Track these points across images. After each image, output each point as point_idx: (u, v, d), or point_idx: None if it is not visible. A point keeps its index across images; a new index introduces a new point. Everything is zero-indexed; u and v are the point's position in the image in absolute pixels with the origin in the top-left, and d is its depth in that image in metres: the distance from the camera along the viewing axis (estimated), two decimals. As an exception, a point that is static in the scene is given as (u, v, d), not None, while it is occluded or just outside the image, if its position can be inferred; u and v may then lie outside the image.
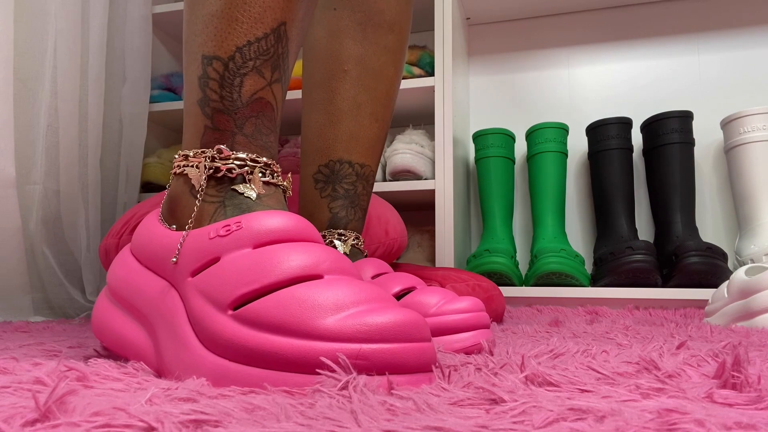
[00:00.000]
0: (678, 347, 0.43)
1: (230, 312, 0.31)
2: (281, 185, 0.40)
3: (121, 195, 1.33)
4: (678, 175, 1.25)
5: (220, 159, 0.38)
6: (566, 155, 1.36)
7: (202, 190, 0.38)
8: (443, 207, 1.23)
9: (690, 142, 1.26)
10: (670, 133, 1.26)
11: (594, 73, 1.48)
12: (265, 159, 0.39)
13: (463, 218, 1.38)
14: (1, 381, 0.29)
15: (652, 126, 1.29)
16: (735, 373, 0.28)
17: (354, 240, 0.59)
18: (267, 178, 0.39)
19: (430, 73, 1.30)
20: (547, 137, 1.33)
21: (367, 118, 0.63)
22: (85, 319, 0.99)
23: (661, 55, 1.43)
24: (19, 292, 1.00)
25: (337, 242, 0.58)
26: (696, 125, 1.28)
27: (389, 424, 0.21)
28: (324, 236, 0.59)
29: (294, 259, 0.33)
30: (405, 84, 1.28)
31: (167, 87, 1.48)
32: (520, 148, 1.45)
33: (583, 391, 0.27)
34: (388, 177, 1.30)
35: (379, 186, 1.28)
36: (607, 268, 1.19)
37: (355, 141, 0.62)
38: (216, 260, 0.34)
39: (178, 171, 0.40)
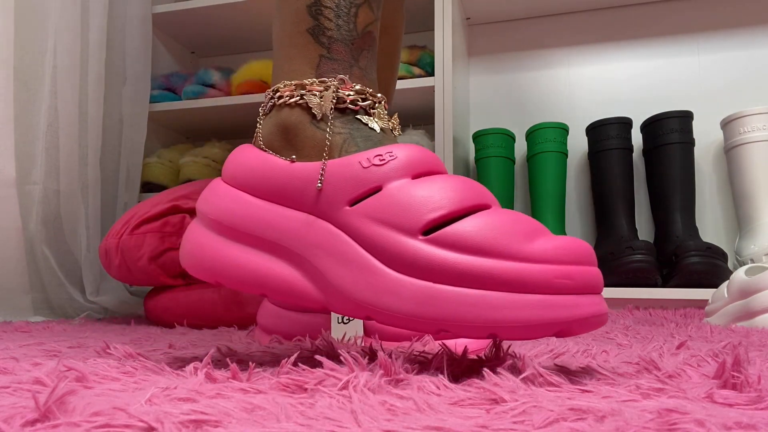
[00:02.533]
0: (678, 347, 0.43)
1: (421, 237, 0.33)
2: (393, 121, 0.40)
3: (121, 195, 1.33)
4: (678, 175, 1.25)
5: (345, 89, 0.38)
6: (566, 155, 1.36)
7: (330, 121, 0.37)
8: (443, 207, 1.23)
9: (690, 142, 1.26)
10: (670, 133, 1.26)
11: (594, 73, 1.48)
12: (380, 95, 0.39)
13: (463, 218, 1.38)
14: (1, 381, 0.29)
15: (652, 126, 1.29)
16: (735, 373, 0.28)
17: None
18: (382, 114, 0.39)
19: (430, 73, 1.30)
20: (547, 137, 1.33)
21: (385, 61, 0.61)
22: (85, 319, 0.99)
23: (661, 55, 1.43)
24: (19, 292, 1.00)
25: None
26: (696, 125, 1.28)
27: (389, 424, 0.21)
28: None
29: (467, 189, 0.35)
30: (405, 84, 1.28)
31: (167, 87, 1.48)
32: (520, 148, 1.45)
33: (583, 391, 0.27)
34: (388, 177, 1.30)
35: (379, 186, 1.28)
36: (607, 268, 1.19)
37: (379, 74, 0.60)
38: (378, 189, 0.35)
39: (292, 100, 0.38)
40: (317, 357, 0.29)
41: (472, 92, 1.55)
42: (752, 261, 1.15)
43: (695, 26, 1.42)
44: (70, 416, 0.21)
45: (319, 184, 0.35)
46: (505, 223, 0.33)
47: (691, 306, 1.08)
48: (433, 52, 1.31)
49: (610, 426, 0.20)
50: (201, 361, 0.33)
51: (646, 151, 1.33)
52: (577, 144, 1.43)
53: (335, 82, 0.38)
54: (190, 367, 0.32)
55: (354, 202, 0.35)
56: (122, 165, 1.33)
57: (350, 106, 0.38)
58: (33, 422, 0.21)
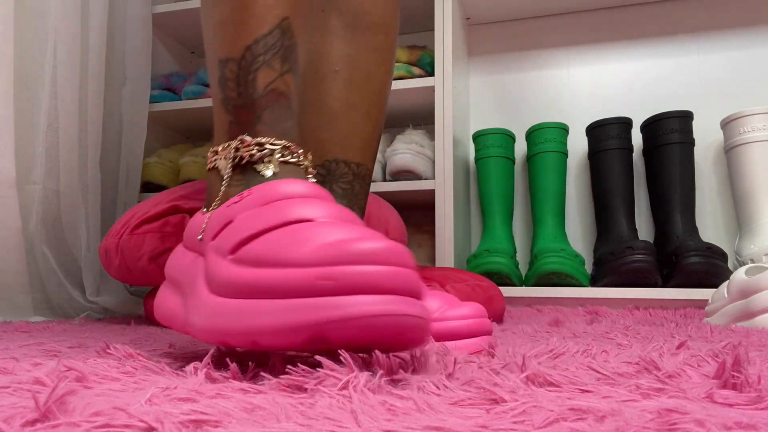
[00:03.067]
0: (678, 347, 0.43)
1: (229, 257, 0.35)
2: (302, 164, 0.43)
3: (121, 195, 1.33)
4: (678, 175, 1.25)
5: (243, 148, 0.42)
6: (566, 155, 1.36)
7: (228, 177, 0.42)
8: (443, 207, 1.23)
9: (690, 142, 1.26)
10: (670, 133, 1.26)
11: (594, 73, 1.48)
12: (283, 142, 0.42)
13: (463, 218, 1.38)
14: (1, 381, 0.29)
15: (652, 126, 1.29)
16: (735, 373, 0.28)
17: None
18: (286, 158, 0.42)
19: (430, 73, 1.30)
20: (547, 137, 1.33)
21: (360, 117, 0.63)
22: (85, 319, 0.99)
23: (661, 55, 1.43)
24: (19, 292, 1.00)
25: None
26: (696, 125, 1.28)
27: (389, 424, 0.21)
28: None
29: (292, 206, 0.36)
30: (405, 84, 1.28)
31: (167, 87, 1.48)
32: (520, 148, 1.45)
33: (583, 391, 0.27)
34: (388, 177, 1.30)
35: (379, 186, 1.28)
36: (607, 268, 1.19)
37: (349, 141, 0.62)
38: (230, 222, 0.38)
39: (210, 166, 0.44)
40: (317, 357, 0.29)
41: (472, 92, 1.55)
42: (752, 261, 1.15)
43: (695, 26, 1.42)
44: (70, 416, 0.21)
45: (200, 236, 0.40)
46: (297, 232, 0.32)
47: (691, 306, 1.08)
48: (433, 52, 1.31)
49: (610, 426, 0.20)
50: (201, 361, 0.33)
51: (646, 151, 1.33)
52: (577, 144, 1.43)
53: (235, 143, 0.42)
54: (190, 367, 0.32)
55: (214, 238, 0.38)
56: (122, 165, 1.33)
57: (250, 159, 0.42)
58: (33, 422, 0.21)
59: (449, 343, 0.44)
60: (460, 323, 0.45)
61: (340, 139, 0.62)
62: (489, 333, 0.47)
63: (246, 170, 0.42)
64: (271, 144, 0.42)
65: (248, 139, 0.42)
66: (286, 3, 0.44)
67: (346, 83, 0.62)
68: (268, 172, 0.41)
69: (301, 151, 0.43)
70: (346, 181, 0.61)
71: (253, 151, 0.41)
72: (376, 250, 0.30)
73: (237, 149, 0.42)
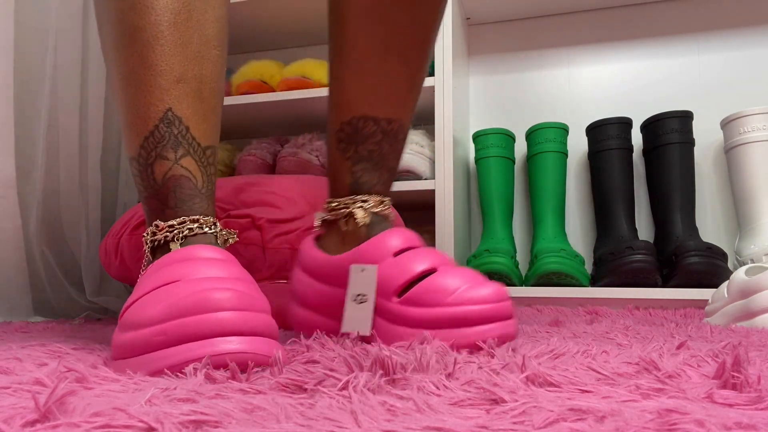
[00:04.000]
0: (678, 347, 0.43)
1: (119, 323, 0.41)
2: (211, 233, 0.47)
3: (121, 195, 1.32)
4: (678, 175, 1.25)
5: (159, 232, 0.46)
6: (566, 155, 1.36)
7: (147, 260, 0.47)
8: (443, 207, 1.23)
9: (690, 142, 1.26)
10: (670, 133, 1.26)
11: (594, 73, 1.48)
12: (192, 217, 0.47)
13: (463, 218, 1.38)
14: (2, 381, 0.29)
15: (652, 126, 1.29)
16: (735, 374, 0.28)
17: (378, 206, 0.55)
18: (194, 231, 0.46)
19: (430, 73, 1.30)
20: (547, 137, 1.33)
21: (394, 62, 0.55)
22: (85, 319, 0.99)
23: (661, 55, 1.43)
24: (19, 292, 1.00)
25: (357, 211, 0.54)
26: (696, 125, 1.28)
27: (389, 424, 0.21)
28: (346, 204, 0.55)
29: (170, 269, 0.40)
30: (405, 84, 1.28)
31: (167, 87, 1.48)
32: (520, 148, 1.44)
33: (583, 391, 0.27)
34: (388, 177, 1.30)
35: (379, 186, 1.28)
36: (607, 268, 1.19)
37: (379, 92, 0.55)
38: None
39: (143, 250, 0.50)
40: (317, 357, 0.29)
41: (472, 92, 1.55)
42: (752, 261, 1.15)
43: (695, 26, 1.42)
44: (70, 417, 0.21)
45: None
46: (161, 293, 0.38)
47: (691, 306, 1.08)
48: (433, 52, 1.30)
49: (610, 426, 0.20)
50: (201, 361, 0.33)
51: (646, 151, 1.33)
52: (577, 144, 1.43)
53: (151, 229, 0.47)
54: (190, 368, 0.32)
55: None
56: (122, 165, 1.33)
57: (165, 240, 0.46)
58: (33, 423, 0.21)
59: (462, 330, 0.44)
60: (476, 308, 0.44)
61: (368, 90, 0.55)
62: (509, 318, 0.45)
63: (165, 250, 0.46)
64: (180, 223, 0.46)
65: (161, 224, 0.46)
66: (164, 97, 0.47)
67: (375, 19, 0.54)
68: (176, 246, 0.46)
69: (209, 219, 0.47)
70: (374, 142, 0.56)
71: (166, 234, 0.46)
72: (205, 298, 0.34)
73: (154, 233, 0.47)
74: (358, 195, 0.56)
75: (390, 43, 0.55)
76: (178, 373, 0.33)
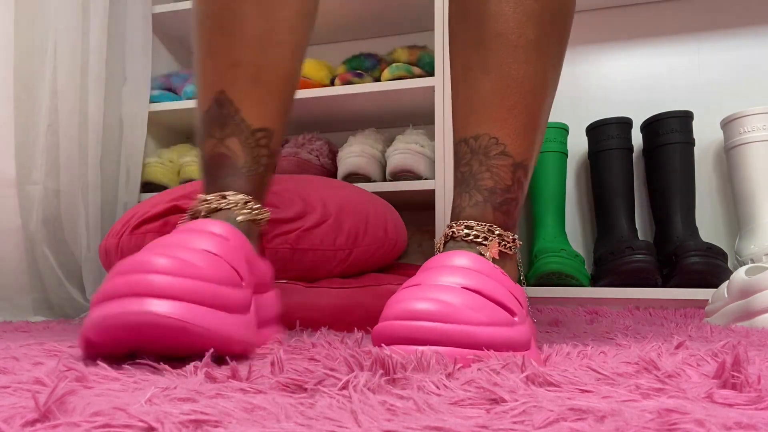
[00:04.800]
0: (677, 347, 0.43)
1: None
2: (227, 207, 0.49)
3: (121, 195, 1.32)
4: (678, 175, 1.25)
5: (199, 204, 0.49)
6: (566, 155, 1.36)
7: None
8: (443, 207, 1.23)
9: (690, 142, 1.26)
10: (670, 133, 1.26)
11: (594, 73, 1.47)
12: (222, 193, 0.49)
13: (463, 218, 1.38)
14: (1, 381, 0.29)
15: (652, 126, 1.29)
16: (735, 373, 0.28)
17: (463, 229, 0.50)
18: (220, 206, 0.48)
19: (430, 73, 1.30)
20: (547, 137, 1.33)
21: (478, 73, 0.52)
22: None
23: (661, 55, 1.43)
24: (19, 292, 1.00)
25: (450, 243, 0.51)
26: (696, 125, 1.28)
27: (389, 424, 0.21)
28: (452, 227, 0.52)
29: (161, 239, 0.42)
30: (405, 84, 1.28)
31: (167, 87, 1.48)
32: (520, 148, 1.44)
33: (583, 391, 0.27)
34: (388, 177, 1.30)
35: (379, 186, 1.28)
36: (607, 268, 1.19)
37: (468, 108, 0.53)
38: None
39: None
40: (317, 357, 0.29)
41: (472, 92, 1.55)
42: (752, 261, 1.15)
43: (695, 26, 1.42)
44: (70, 416, 0.21)
45: None
46: (136, 256, 0.40)
47: (691, 306, 1.08)
48: (433, 52, 1.30)
49: (610, 426, 0.20)
50: (201, 360, 0.33)
51: (646, 151, 1.33)
52: (577, 144, 1.43)
53: (195, 203, 0.52)
54: (190, 367, 0.32)
55: None
56: (122, 165, 1.33)
57: (201, 211, 0.51)
58: (33, 422, 0.21)
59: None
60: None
61: (461, 110, 0.53)
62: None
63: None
64: (207, 200, 0.49)
65: (201, 197, 0.50)
66: (221, 78, 0.51)
67: (474, 42, 0.53)
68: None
69: (239, 197, 0.49)
70: (465, 163, 0.52)
71: (200, 207, 0.49)
72: (142, 261, 0.36)
73: (196, 206, 0.50)
74: (453, 221, 0.52)
75: (481, 60, 0.53)
76: (179, 372, 0.33)
